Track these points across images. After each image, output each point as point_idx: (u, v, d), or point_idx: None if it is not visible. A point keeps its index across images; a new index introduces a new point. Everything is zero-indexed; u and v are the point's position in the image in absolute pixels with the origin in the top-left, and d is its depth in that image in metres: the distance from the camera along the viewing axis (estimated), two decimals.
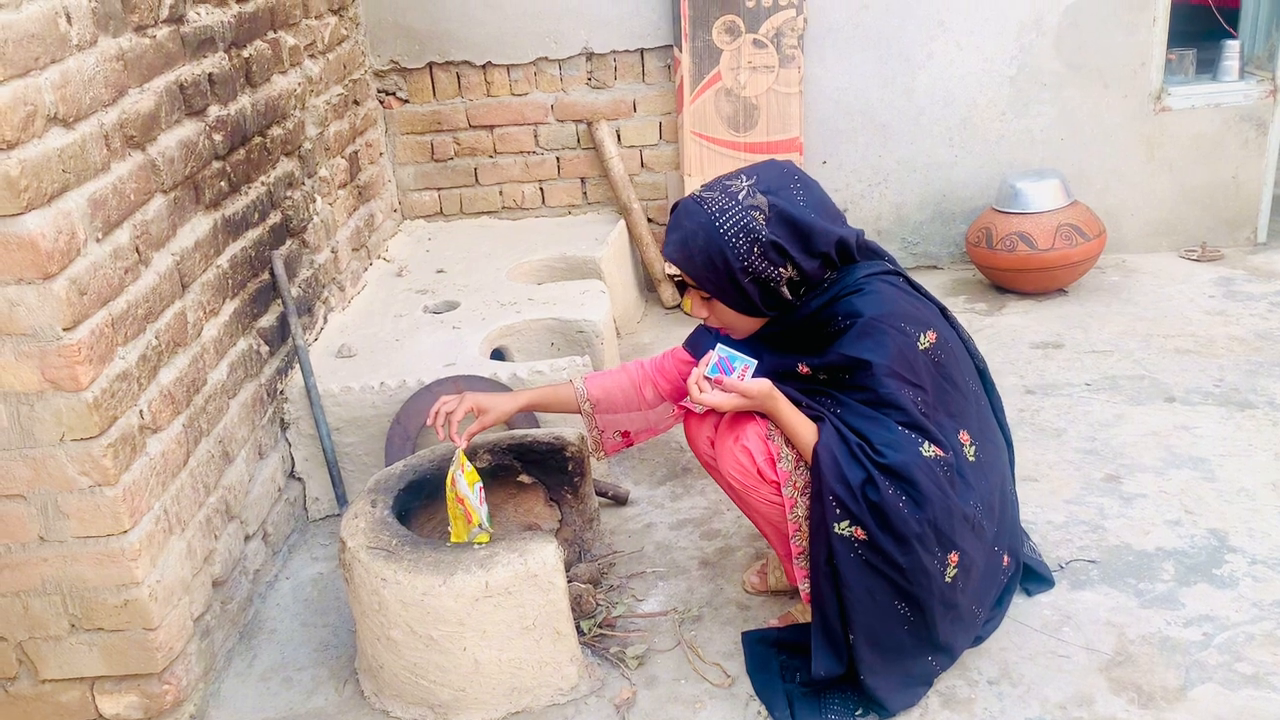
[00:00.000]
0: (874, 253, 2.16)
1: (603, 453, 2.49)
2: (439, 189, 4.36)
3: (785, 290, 2.05)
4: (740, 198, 2.01)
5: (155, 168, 2.26)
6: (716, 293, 2.08)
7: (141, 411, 2.13)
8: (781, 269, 2.02)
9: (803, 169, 2.13)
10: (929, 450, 2.02)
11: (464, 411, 2.35)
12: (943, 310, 2.20)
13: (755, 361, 2.10)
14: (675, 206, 2.10)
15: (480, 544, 2.21)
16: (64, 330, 1.88)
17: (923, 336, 2.06)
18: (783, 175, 2.06)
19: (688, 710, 2.17)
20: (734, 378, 2.08)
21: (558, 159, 4.29)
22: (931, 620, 2.07)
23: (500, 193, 4.35)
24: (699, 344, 2.35)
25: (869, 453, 2.00)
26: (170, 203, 2.32)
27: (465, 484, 2.30)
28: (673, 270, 4.24)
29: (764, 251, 1.99)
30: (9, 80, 1.76)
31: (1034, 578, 2.40)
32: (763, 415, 2.11)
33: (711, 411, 2.22)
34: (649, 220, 4.31)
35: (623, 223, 4.23)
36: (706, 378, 2.09)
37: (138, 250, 2.16)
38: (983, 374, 2.27)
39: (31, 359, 1.89)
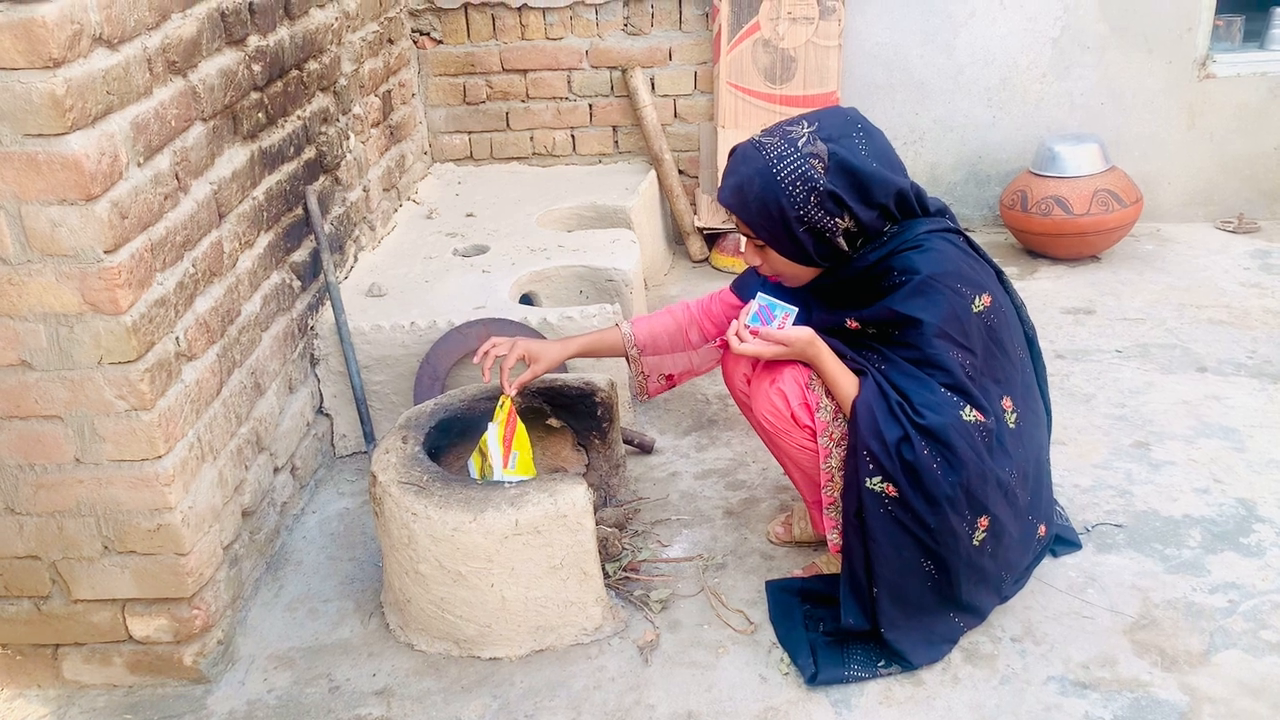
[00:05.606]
0: (936, 210, 2.12)
1: (646, 395, 2.48)
2: (470, 132, 4.33)
3: (841, 241, 2.02)
4: (800, 145, 1.98)
5: (196, 95, 2.24)
6: (770, 240, 2.06)
7: (178, 339, 2.13)
8: (838, 219, 1.99)
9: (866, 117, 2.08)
10: (970, 415, 2.00)
11: (515, 359, 2.34)
12: (998, 273, 2.17)
13: (796, 309, 2.09)
14: (733, 151, 2.07)
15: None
16: (105, 253, 1.87)
17: (978, 299, 2.04)
18: (846, 122, 2.03)
19: (710, 654, 2.19)
20: (774, 326, 2.07)
21: (590, 106, 4.25)
22: (955, 580, 2.07)
23: (531, 138, 4.32)
24: (746, 286, 2.32)
25: (908, 412, 1.99)
26: (209, 131, 2.31)
27: (495, 438, 2.28)
28: (702, 224, 4.21)
29: (820, 201, 1.97)
30: None
31: (1060, 540, 2.39)
32: (805, 363, 2.10)
33: None
34: (680, 172, 4.27)
35: (653, 173, 4.19)
36: (747, 326, 2.09)
37: (177, 177, 2.15)
38: (1031, 341, 2.24)
39: (72, 280, 1.89)
